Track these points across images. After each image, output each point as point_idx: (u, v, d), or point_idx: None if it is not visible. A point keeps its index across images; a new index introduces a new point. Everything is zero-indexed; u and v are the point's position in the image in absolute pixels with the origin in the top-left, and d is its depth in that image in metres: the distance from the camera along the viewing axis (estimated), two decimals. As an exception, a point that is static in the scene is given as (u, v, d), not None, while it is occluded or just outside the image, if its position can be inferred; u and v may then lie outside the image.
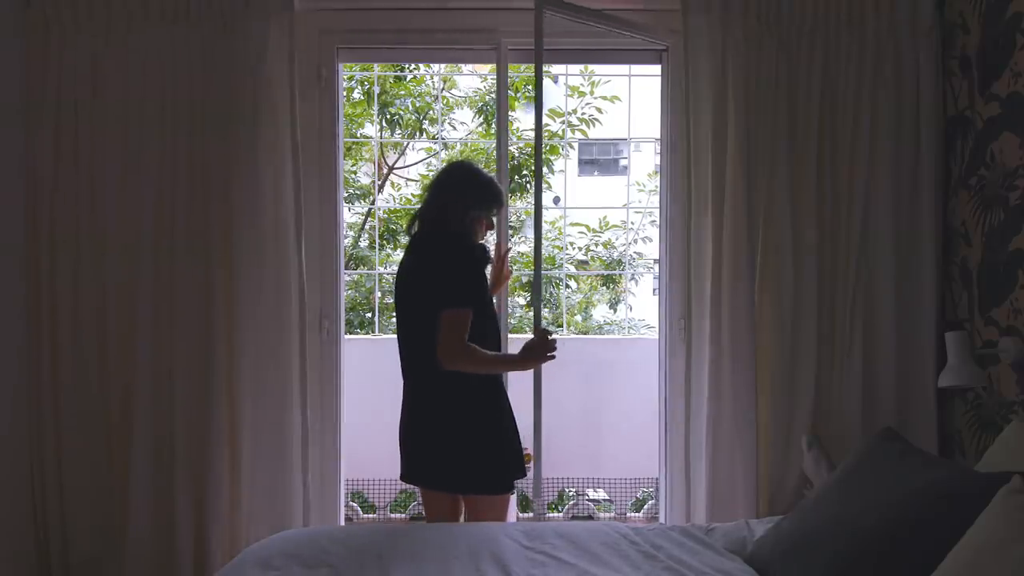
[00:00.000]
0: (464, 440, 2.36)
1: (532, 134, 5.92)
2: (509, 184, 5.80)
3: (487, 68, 5.97)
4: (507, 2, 2.92)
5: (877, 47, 2.73)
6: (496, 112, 2.86)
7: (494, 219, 2.57)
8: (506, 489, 2.44)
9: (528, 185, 5.99)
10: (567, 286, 6.17)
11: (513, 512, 3.84)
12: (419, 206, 2.55)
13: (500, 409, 2.43)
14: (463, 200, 2.41)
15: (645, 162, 7.44)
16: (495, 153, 5.80)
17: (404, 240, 5.98)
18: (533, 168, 5.85)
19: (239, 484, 2.69)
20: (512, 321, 5.67)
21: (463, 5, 2.94)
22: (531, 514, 4.08)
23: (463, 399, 2.36)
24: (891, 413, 2.71)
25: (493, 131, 5.94)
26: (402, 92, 5.81)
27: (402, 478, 2.50)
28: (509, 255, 2.88)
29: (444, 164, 2.64)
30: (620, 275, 6.12)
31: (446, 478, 2.41)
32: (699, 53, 2.77)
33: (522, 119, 6.44)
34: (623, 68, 4.99)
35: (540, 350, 2.45)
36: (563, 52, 3.21)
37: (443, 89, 6.00)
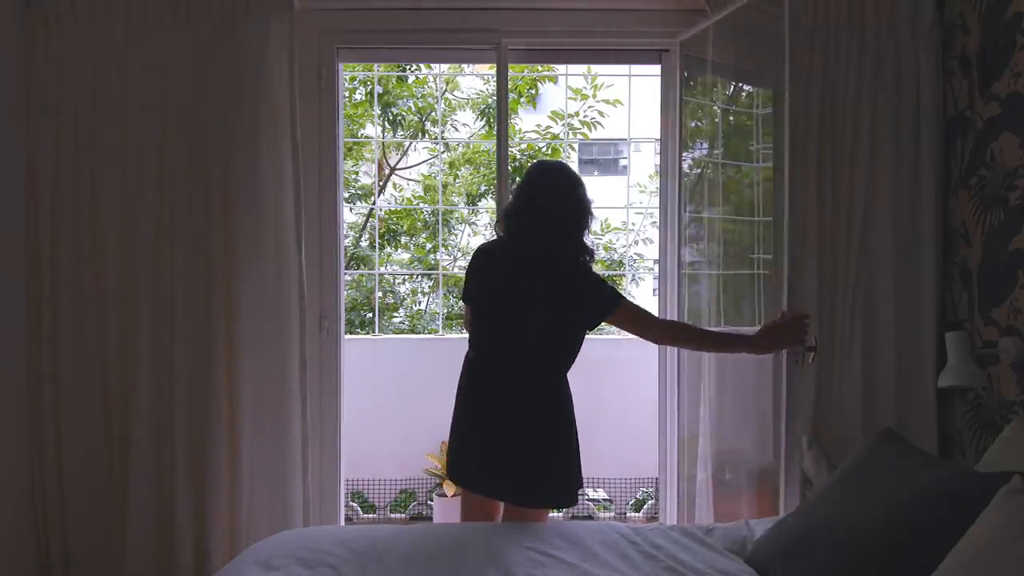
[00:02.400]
0: (554, 454, 2.31)
1: (534, 135, 5.98)
2: (511, 185, 5.81)
3: (489, 69, 5.98)
4: (507, 2, 2.92)
5: (877, 48, 2.73)
6: (496, 112, 2.86)
7: None
8: (576, 499, 2.40)
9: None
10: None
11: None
12: (522, 205, 2.35)
13: (573, 421, 2.38)
14: (583, 197, 2.35)
15: (645, 162, 7.43)
16: (495, 154, 5.81)
17: (404, 240, 5.99)
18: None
19: (239, 484, 2.69)
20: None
21: (463, 5, 2.94)
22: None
23: (555, 413, 2.32)
24: (891, 413, 2.71)
25: (495, 132, 5.95)
26: (404, 93, 5.81)
27: (477, 490, 2.37)
28: None
29: (544, 165, 2.64)
30: (621, 276, 6.11)
31: (535, 492, 2.30)
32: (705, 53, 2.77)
33: (524, 121, 6.45)
34: (623, 68, 4.99)
35: (794, 331, 2.30)
36: (563, 52, 3.22)
37: (445, 90, 6.00)
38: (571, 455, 2.34)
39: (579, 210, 2.33)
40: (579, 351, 2.34)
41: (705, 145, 3.23)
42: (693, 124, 3.22)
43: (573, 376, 4.22)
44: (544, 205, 2.30)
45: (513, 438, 2.26)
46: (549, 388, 2.32)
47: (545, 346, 2.30)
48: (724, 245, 3.03)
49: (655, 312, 2.97)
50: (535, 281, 2.25)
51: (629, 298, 2.33)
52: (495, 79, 5.73)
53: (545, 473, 2.28)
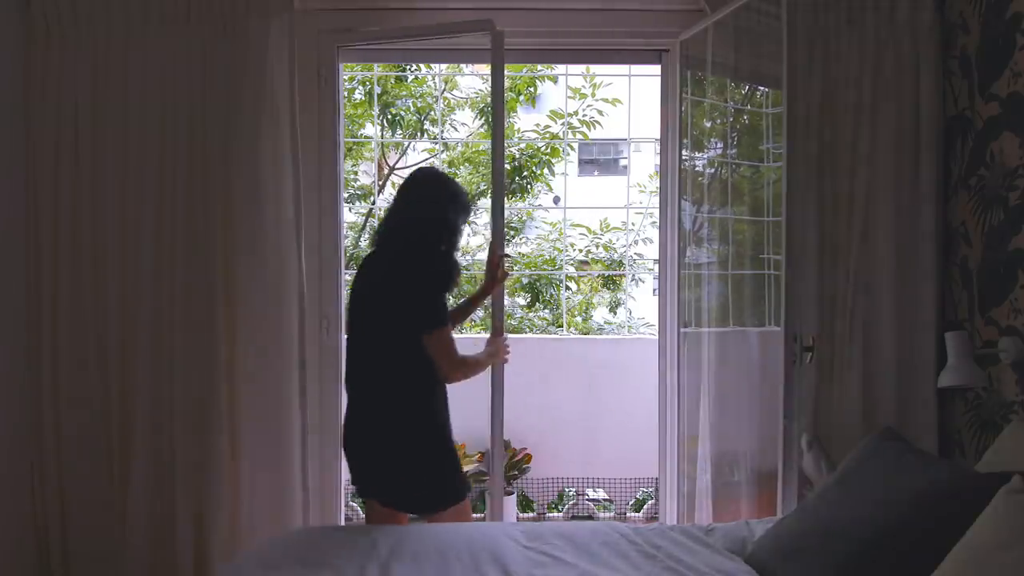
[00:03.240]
0: (419, 462, 2.33)
1: (533, 135, 5.98)
2: (510, 185, 5.82)
3: (488, 68, 5.97)
4: (507, 2, 2.92)
5: (877, 48, 2.73)
6: (492, 112, 2.85)
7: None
8: (462, 497, 2.40)
9: (529, 186, 5.99)
10: (567, 287, 6.16)
11: (513, 512, 3.84)
12: (388, 216, 2.45)
13: (445, 423, 2.41)
14: (445, 214, 2.36)
15: (645, 162, 7.43)
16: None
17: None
18: (534, 169, 5.89)
19: (239, 484, 2.69)
20: (512, 322, 5.67)
21: (463, 5, 2.94)
22: (532, 514, 4.09)
23: (409, 420, 2.33)
24: (891, 413, 2.71)
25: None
26: (403, 92, 5.80)
27: (359, 494, 2.49)
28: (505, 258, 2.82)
29: (416, 176, 2.53)
30: (621, 276, 6.12)
31: (408, 500, 2.36)
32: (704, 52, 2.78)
33: (523, 120, 6.45)
34: (623, 68, 5.00)
35: (497, 348, 2.65)
36: (563, 52, 3.22)
37: (444, 90, 6.00)
38: (431, 460, 2.34)
39: (437, 225, 2.34)
40: (429, 359, 2.29)
41: (720, 144, 3.23)
42: (708, 124, 3.22)
43: (573, 376, 4.24)
44: (404, 218, 2.37)
45: (370, 445, 2.36)
46: (400, 395, 2.32)
47: (387, 356, 2.31)
48: (734, 245, 3.03)
49: (655, 310, 2.98)
50: (375, 292, 2.34)
51: (451, 332, 2.33)
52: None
53: (402, 477, 2.32)
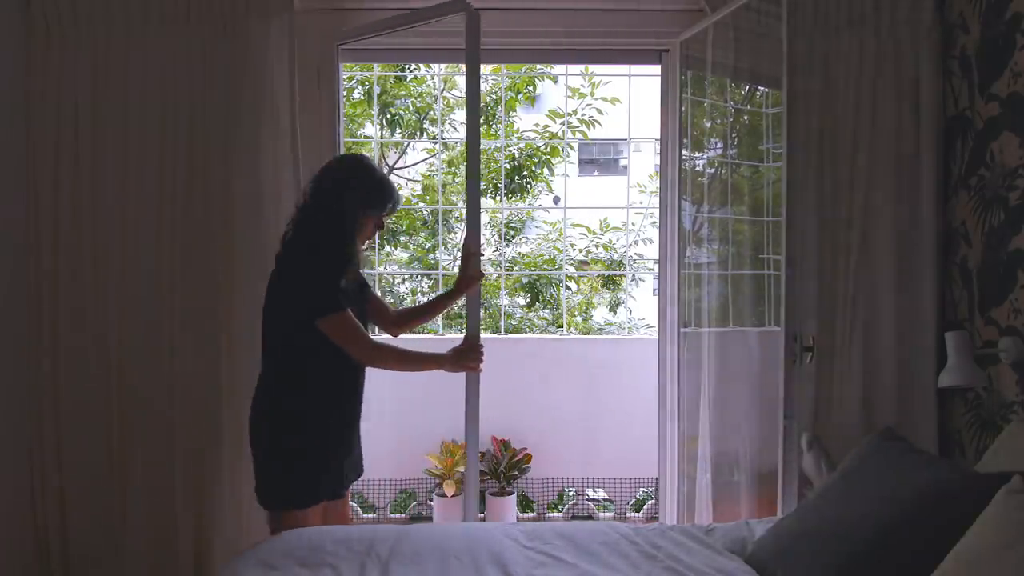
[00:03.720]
0: (265, 452, 2.23)
1: (532, 134, 5.98)
2: (509, 184, 5.82)
3: (487, 68, 5.97)
4: (507, 2, 2.92)
5: (877, 48, 2.73)
6: (467, 98, 2.80)
7: (385, 221, 2.38)
8: (293, 505, 2.22)
9: (529, 186, 5.99)
10: (567, 287, 6.16)
11: (513, 512, 3.84)
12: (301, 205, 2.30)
13: (309, 421, 2.23)
14: (354, 196, 2.22)
15: (645, 162, 7.43)
16: (495, 154, 5.82)
17: (404, 239, 5.99)
18: (533, 169, 5.89)
19: (239, 484, 2.68)
20: (512, 322, 5.67)
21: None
22: (532, 514, 4.09)
23: (276, 408, 2.22)
24: (891, 413, 2.71)
25: (493, 132, 5.95)
26: (402, 92, 5.80)
27: None
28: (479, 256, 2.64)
29: (333, 159, 2.43)
30: (621, 276, 6.12)
31: (258, 489, 2.25)
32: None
33: (523, 119, 6.45)
34: (623, 68, 4.99)
35: (465, 356, 2.48)
36: (563, 52, 3.22)
37: (443, 90, 6.00)
38: (276, 454, 2.22)
39: (331, 209, 2.20)
40: (319, 350, 2.17)
41: (720, 144, 3.23)
42: (708, 124, 3.22)
43: (573, 376, 4.24)
44: (305, 204, 2.26)
45: (250, 437, 2.27)
46: (263, 384, 2.23)
47: (271, 344, 2.23)
48: (734, 245, 3.03)
49: (655, 310, 2.97)
50: (270, 280, 2.24)
51: (349, 315, 2.17)
52: (495, 78, 5.77)
53: (259, 471, 2.24)
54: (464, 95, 6.06)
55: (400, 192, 6.20)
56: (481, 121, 5.98)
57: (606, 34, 3.03)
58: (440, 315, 2.76)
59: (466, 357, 2.50)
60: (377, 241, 5.78)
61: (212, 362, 2.67)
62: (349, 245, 2.24)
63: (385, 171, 6.17)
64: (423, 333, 5.43)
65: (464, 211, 6.06)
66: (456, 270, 6.01)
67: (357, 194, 2.23)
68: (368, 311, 2.48)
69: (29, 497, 2.69)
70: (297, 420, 2.22)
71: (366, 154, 2.41)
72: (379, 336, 2.76)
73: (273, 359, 2.23)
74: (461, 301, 2.65)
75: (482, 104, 5.86)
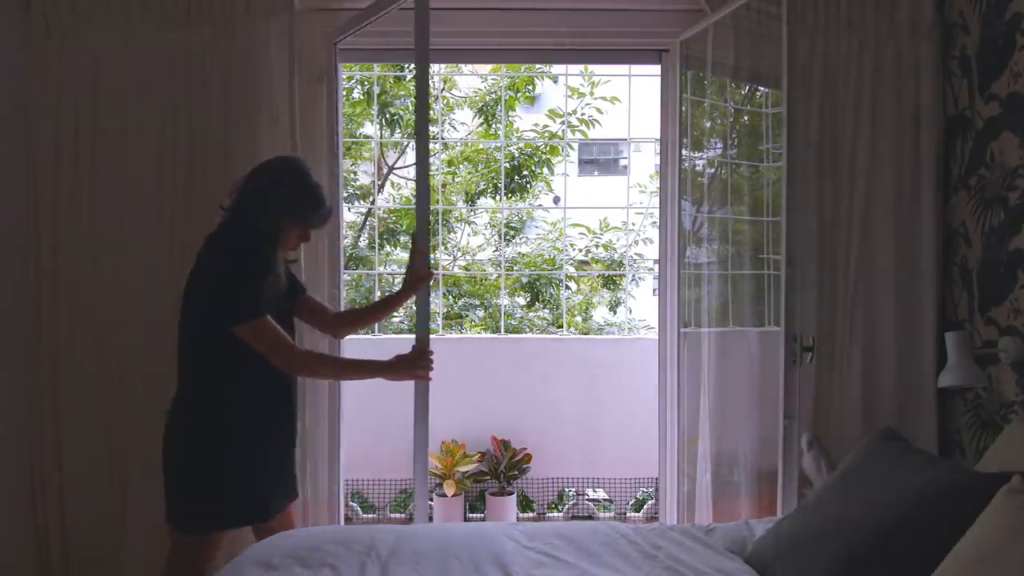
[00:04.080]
0: (176, 464, 2.11)
1: (532, 134, 5.98)
2: (509, 184, 5.82)
3: (487, 68, 5.97)
4: (507, 2, 2.92)
5: (877, 48, 2.73)
6: (416, 80, 2.77)
7: (311, 233, 2.25)
8: (194, 530, 2.10)
9: (529, 185, 5.99)
10: (567, 287, 6.16)
11: (513, 512, 3.84)
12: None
13: (216, 438, 2.10)
14: (279, 201, 2.11)
15: (645, 162, 7.43)
16: (495, 153, 5.82)
17: (404, 240, 5.99)
18: (532, 168, 5.89)
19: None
20: (512, 322, 5.67)
21: (462, 5, 2.94)
22: (532, 514, 4.09)
23: (186, 423, 2.11)
24: (891, 413, 2.71)
25: (493, 131, 5.95)
26: (402, 92, 5.80)
27: None
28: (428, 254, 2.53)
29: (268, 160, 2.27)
30: (621, 276, 6.12)
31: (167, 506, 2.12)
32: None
33: (523, 119, 6.45)
34: (623, 68, 4.99)
35: (413, 364, 2.33)
36: (563, 52, 3.21)
37: (443, 89, 6.00)
38: (175, 471, 2.10)
39: (254, 212, 2.09)
40: (236, 357, 2.07)
41: (720, 144, 3.23)
42: (708, 124, 3.22)
43: (573, 376, 4.24)
44: (231, 205, 2.14)
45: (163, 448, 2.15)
46: (188, 395, 2.12)
47: (184, 350, 2.13)
48: (734, 245, 3.03)
49: (655, 310, 2.96)
50: (188, 278, 2.15)
51: (269, 321, 2.05)
52: (494, 78, 5.77)
53: (168, 488, 2.11)
54: (463, 94, 6.08)
55: (400, 188, 6.23)
56: (481, 121, 6.00)
57: (606, 34, 3.03)
58: (384, 318, 2.56)
59: (414, 365, 2.34)
60: (377, 241, 5.78)
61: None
62: (269, 251, 2.10)
63: (384, 171, 6.19)
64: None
65: (463, 211, 6.12)
66: (456, 270, 6.03)
67: (282, 200, 2.11)
68: (303, 313, 2.39)
69: (29, 497, 2.69)
70: (214, 434, 2.09)
71: (301, 158, 2.30)
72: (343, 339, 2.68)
73: (189, 363, 2.12)
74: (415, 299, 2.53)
75: (482, 104, 5.87)
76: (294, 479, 2.35)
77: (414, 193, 6.15)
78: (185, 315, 2.13)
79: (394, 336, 5.17)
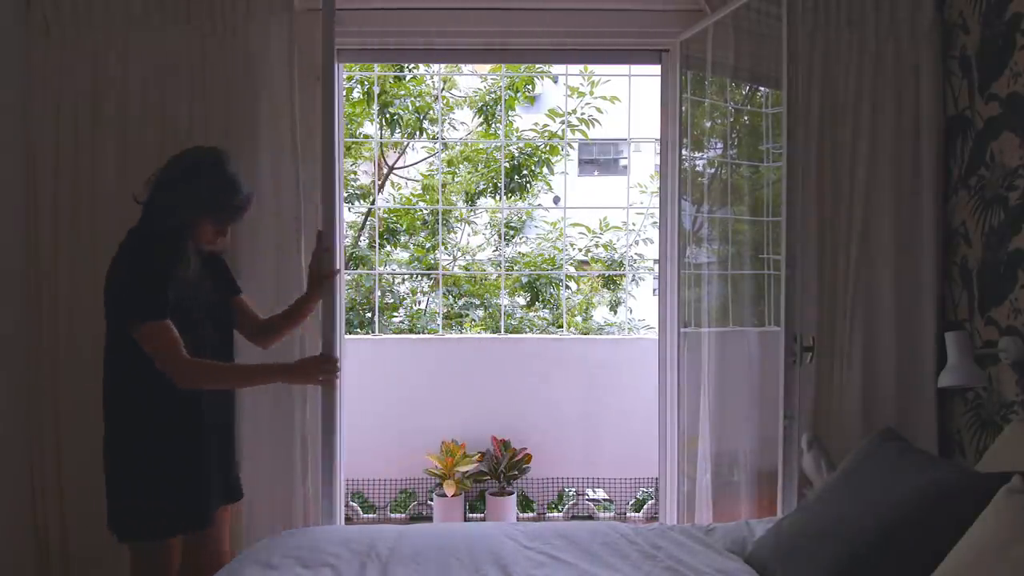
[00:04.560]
0: (108, 468, 2.04)
1: (532, 134, 5.98)
2: (509, 183, 5.82)
3: (487, 68, 5.97)
4: (507, 2, 2.92)
5: (877, 48, 2.73)
6: (323, 71, 2.78)
7: (228, 229, 2.15)
8: (125, 538, 2.04)
9: (528, 185, 5.98)
10: (567, 287, 6.16)
11: (513, 512, 3.84)
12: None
13: (132, 437, 2.03)
14: (191, 194, 2.03)
15: (645, 162, 7.43)
16: (495, 153, 5.82)
17: (404, 239, 5.99)
18: (532, 168, 5.89)
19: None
20: (512, 322, 5.67)
21: (462, 5, 2.94)
22: (532, 514, 4.09)
23: (110, 425, 2.04)
24: (891, 413, 2.71)
25: (493, 131, 5.95)
26: (402, 92, 5.80)
27: None
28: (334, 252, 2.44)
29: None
30: (621, 276, 6.12)
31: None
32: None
33: (522, 119, 6.45)
34: (623, 68, 4.99)
35: (316, 368, 2.23)
36: (563, 52, 3.21)
37: (443, 89, 6.00)
38: (120, 476, 2.02)
39: (165, 205, 2.02)
40: (127, 359, 1.99)
41: (720, 144, 3.23)
42: (708, 124, 3.22)
43: (574, 376, 4.24)
44: (146, 197, 2.07)
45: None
46: (109, 397, 2.05)
47: (107, 348, 2.05)
48: (734, 245, 3.03)
49: (655, 310, 2.95)
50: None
51: (165, 325, 1.95)
52: (494, 78, 5.77)
53: (107, 493, 2.04)
54: (463, 94, 6.07)
55: (400, 188, 6.22)
56: (481, 121, 5.99)
57: (606, 34, 3.03)
58: (299, 324, 2.45)
59: (318, 369, 2.23)
60: (377, 241, 5.78)
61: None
62: (173, 249, 2.02)
63: (385, 170, 6.19)
64: (424, 333, 5.44)
65: (463, 211, 6.12)
66: (456, 269, 6.03)
67: (192, 193, 2.03)
68: (235, 320, 2.30)
69: (29, 497, 2.69)
70: (136, 437, 2.02)
71: (220, 149, 2.17)
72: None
73: (108, 361, 2.05)
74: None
75: (482, 104, 5.86)
76: (235, 481, 2.28)
77: (415, 193, 6.17)
78: (106, 311, 2.04)
79: (394, 336, 5.18)
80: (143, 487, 2.01)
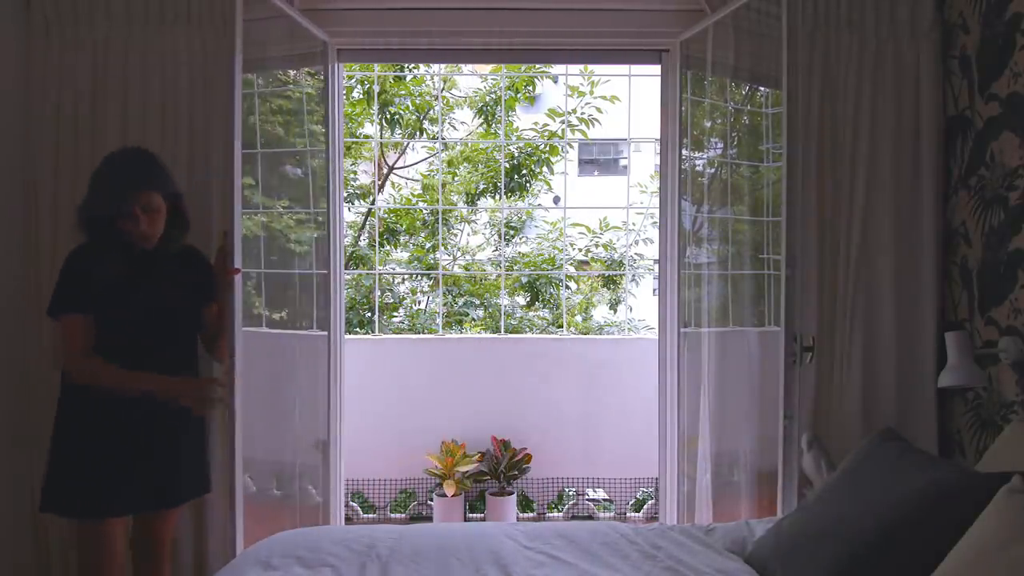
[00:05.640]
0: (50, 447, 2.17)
1: (532, 134, 5.98)
2: (509, 183, 5.82)
3: (487, 68, 5.97)
4: (507, 2, 2.92)
5: (877, 48, 2.73)
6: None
7: (138, 213, 2.11)
8: (44, 509, 2.14)
9: (528, 184, 5.99)
10: (567, 287, 6.17)
11: (513, 512, 3.84)
12: None
13: (61, 427, 2.14)
14: (90, 189, 2.13)
15: (645, 162, 7.43)
16: (495, 153, 5.82)
17: (404, 239, 5.99)
18: (532, 168, 5.89)
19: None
20: (512, 321, 5.67)
21: (463, 5, 2.94)
22: (532, 514, 4.09)
23: (58, 411, 2.17)
24: (891, 413, 2.71)
25: (493, 131, 5.95)
26: (402, 92, 5.80)
27: None
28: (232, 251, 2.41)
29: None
30: (621, 276, 6.12)
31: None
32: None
33: (522, 119, 6.45)
34: (623, 68, 5.00)
35: (189, 391, 2.17)
36: (563, 52, 3.22)
37: (443, 89, 6.00)
38: (49, 454, 2.16)
39: (86, 203, 2.13)
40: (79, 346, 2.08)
41: (720, 144, 3.23)
42: (708, 124, 3.22)
43: (573, 376, 4.24)
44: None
45: None
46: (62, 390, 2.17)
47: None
48: (734, 245, 3.04)
49: (655, 310, 2.95)
50: None
51: (77, 317, 2.08)
52: (494, 78, 5.77)
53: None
54: (464, 94, 6.08)
55: (400, 188, 6.22)
56: (481, 121, 6.00)
57: (606, 34, 3.03)
58: (220, 327, 2.37)
59: (190, 391, 2.17)
60: (378, 241, 5.78)
61: (210, 362, 2.66)
62: (89, 247, 2.13)
63: (385, 170, 6.19)
64: (423, 333, 5.44)
65: (464, 211, 6.11)
66: (456, 269, 6.03)
67: (92, 188, 2.13)
68: (205, 327, 2.34)
69: (29, 497, 2.69)
70: (61, 421, 2.14)
71: (134, 148, 2.23)
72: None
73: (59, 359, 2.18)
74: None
75: (482, 104, 5.87)
76: (168, 489, 2.23)
77: (415, 193, 6.17)
78: None
79: (394, 336, 5.18)
80: (55, 468, 2.13)
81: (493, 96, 5.84)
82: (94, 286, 2.09)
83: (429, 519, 4.00)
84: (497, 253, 6.08)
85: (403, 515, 4.03)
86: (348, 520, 3.81)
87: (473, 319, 5.85)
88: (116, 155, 2.18)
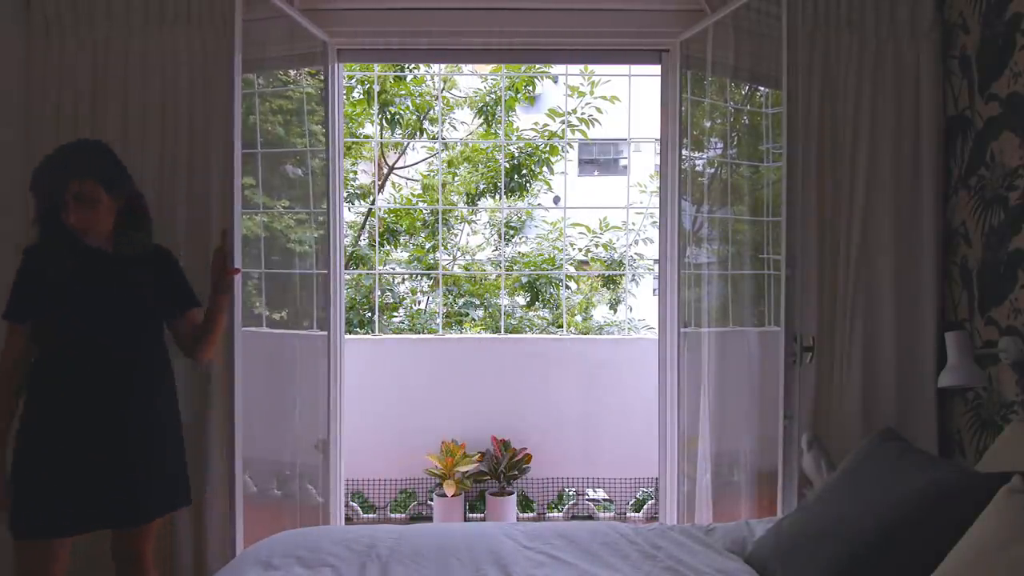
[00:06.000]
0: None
1: (532, 134, 5.98)
2: (509, 183, 5.82)
3: (487, 68, 5.97)
4: (507, 1, 2.92)
5: (877, 48, 2.73)
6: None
7: (70, 201, 2.07)
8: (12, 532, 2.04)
9: (528, 184, 5.99)
10: (567, 287, 6.17)
11: (513, 512, 3.84)
12: None
13: (35, 437, 2.06)
14: (38, 204, 2.12)
15: (645, 162, 7.44)
16: (495, 153, 5.82)
17: (404, 239, 5.99)
18: (532, 168, 5.89)
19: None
20: (512, 321, 5.67)
21: (463, 5, 2.94)
22: (532, 514, 4.08)
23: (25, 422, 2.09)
24: (891, 413, 2.71)
25: (493, 131, 5.95)
26: (402, 92, 5.81)
27: None
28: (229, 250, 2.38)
29: None
30: (621, 275, 6.12)
31: None
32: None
33: (522, 119, 6.45)
34: (623, 68, 5.00)
35: None
36: (563, 52, 3.22)
37: (443, 89, 6.00)
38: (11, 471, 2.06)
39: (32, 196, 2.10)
40: (47, 350, 2.08)
41: (720, 144, 3.24)
42: (708, 124, 3.22)
43: (573, 376, 4.24)
44: None
45: None
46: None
47: None
48: (734, 245, 3.04)
49: (655, 310, 2.95)
50: None
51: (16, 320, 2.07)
52: (494, 78, 5.77)
53: None
54: (464, 94, 6.08)
55: (400, 189, 6.22)
56: (481, 121, 6.00)
57: (606, 34, 3.03)
58: (215, 327, 2.32)
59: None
60: (378, 241, 5.78)
61: (210, 362, 2.66)
62: (40, 249, 2.11)
63: (385, 170, 6.19)
64: (423, 333, 5.44)
65: (464, 211, 6.12)
66: (456, 269, 6.03)
67: (31, 179, 2.10)
68: (181, 328, 2.30)
69: None
70: (23, 427, 2.07)
71: (84, 139, 2.22)
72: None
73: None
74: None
75: (482, 104, 5.87)
76: (128, 506, 2.13)
77: (415, 193, 6.17)
78: None
79: (394, 336, 5.18)
80: (10, 483, 2.05)
81: (493, 96, 5.84)
82: (43, 286, 2.04)
83: (429, 519, 4.00)
84: (497, 253, 6.08)
85: (403, 515, 4.03)
86: (348, 520, 3.81)
87: (473, 319, 5.85)
88: (64, 146, 2.15)
